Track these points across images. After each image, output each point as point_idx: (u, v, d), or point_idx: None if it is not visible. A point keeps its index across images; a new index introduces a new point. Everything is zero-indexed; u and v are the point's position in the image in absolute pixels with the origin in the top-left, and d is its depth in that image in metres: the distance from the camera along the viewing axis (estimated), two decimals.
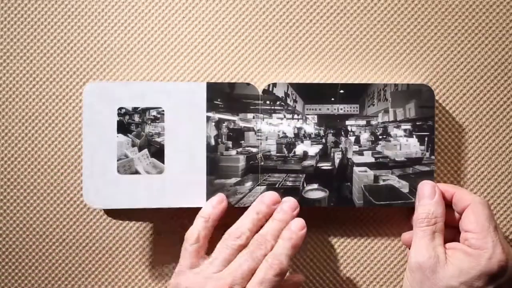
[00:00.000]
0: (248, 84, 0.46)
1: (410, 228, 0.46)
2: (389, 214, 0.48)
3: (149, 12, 0.48)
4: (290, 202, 0.43)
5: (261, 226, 0.42)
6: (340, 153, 0.46)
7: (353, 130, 0.46)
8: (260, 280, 0.38)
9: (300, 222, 0.42)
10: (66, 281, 0.48)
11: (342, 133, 0.46)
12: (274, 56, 0.48)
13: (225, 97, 0.46)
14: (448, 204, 0.43)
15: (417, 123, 0.46)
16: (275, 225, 0.42)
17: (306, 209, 0.46)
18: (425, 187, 0.43)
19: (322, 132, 0.46)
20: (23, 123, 0.48)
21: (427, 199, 0.43)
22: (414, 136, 0.46)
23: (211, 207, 0.43)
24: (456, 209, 0.43)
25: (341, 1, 0.47)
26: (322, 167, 0.46)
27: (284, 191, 0.45)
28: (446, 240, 0.42)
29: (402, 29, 0.47)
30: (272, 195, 0.44)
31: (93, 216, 0.48)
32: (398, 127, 0.46)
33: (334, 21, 0.48)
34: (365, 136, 0.46)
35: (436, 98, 0.47)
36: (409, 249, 0.46)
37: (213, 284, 0.38)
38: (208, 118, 0.45)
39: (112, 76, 0.48)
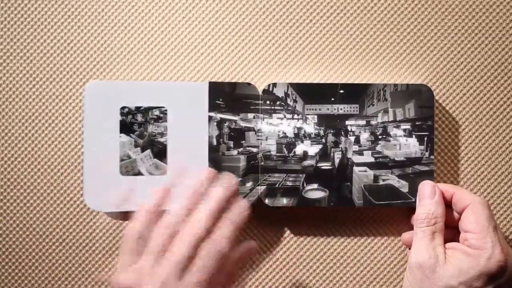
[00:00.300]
0: (248, 84, 0.46)
1: (410, 228, 0.46)
2: (389, 214, 0.48)
3: (149, 12, 0.48)
4: (227, 179, 0.40)
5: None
6: (340, 153, 0.46)
7: (353, 130, 0.46)
8: (199, 269, 0.36)
9: (242, 203, 0.39)
10: (66, 281, 0.48)
11: (342, 133, 0.46)
12: (274, 56, 0.48)
13: (226, 96, 0.46)
14: (447, 204, 0.43)
15: (417, 123, 0.46)
16: (211, 206, 0.38)
17: (306, 209, 0.46)
18: (425, 187, 0.43)
19: (322, 132, 0.46)
20: (23, 123, 0.48)
21: (427, 199, 0.43)
22: (414, 136, 0.46)
23: (153, 199, 0.40)
24: (456, 209, 0.43)
25: (341, 1, 0.48)
26: (322, 167, 0.46)
27: (284, 191, 0.45)
28: (445, 240, 0.42)
29: (402, 29, 0.47)
30: (209, 172, 0.40)
31: (93, 216, 0.48)
32: (397, 127, 0.46)
33: (334, 21, 0.48)
34: (365, 136, 0.46)
35: (436, 98, 0.47)
36: (409, 249, 0.46)
37: (147, 281, 0.36)
38: (210, 118, 0.45)
39: (112, 76, 0.48)
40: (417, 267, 0.40)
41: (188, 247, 0.36)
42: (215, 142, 0.45)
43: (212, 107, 0.45)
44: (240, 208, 0.39)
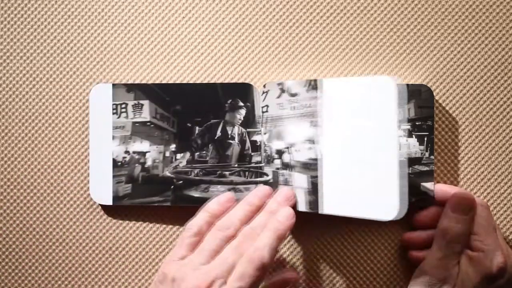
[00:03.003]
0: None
1: (410, 228, 0.46)
2: None
3: (149, 12, 0.48)
4: (284, 192, 0.42)
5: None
6: None
7: None
8: (239, 276, 0.36)
9: (287, 211, 0.40)
10: (66, 281, 0.48)
11: None
12: (274, 56, 0.48)
13: None
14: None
15: (417, 123, 0.46)
16: (266, 218, 0.40)
17: None
18: (466, 199, 0.41)
19: None
20: (23, 123, 0.48)
21: (465, 215, 0.40)
22: (414, 136, 0.46)
23: (218, 205, 0.42)
24: None
25: (341, 1, 0.47)
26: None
27: None
28: None
29: (402, 29, 0.47)
30: (265, 188, 0.43)
31: (93, 216, 0.48)
32: (397, 127, 0.46)
33: (334, 21, 0.48)
34: None
35: (436, 98, 0.47)
36: (409, 249, 0.46)
37: (197, 276, 0.37)
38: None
39: (112, 76, 0.48)
40: (431, 284, 0.40)
41: (238, 253, 0.37)
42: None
43: None
44: (285, 218, 0.39)
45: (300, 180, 0.44)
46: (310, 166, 0.43)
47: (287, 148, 0.44)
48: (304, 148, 0.44)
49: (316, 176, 0.43)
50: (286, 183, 0.44)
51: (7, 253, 0.48)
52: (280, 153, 0.45)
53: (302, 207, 0.44)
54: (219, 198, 0.42)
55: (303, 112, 0.44)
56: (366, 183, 0.41)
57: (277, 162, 0.45)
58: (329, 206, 0.43)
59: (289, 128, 0.44)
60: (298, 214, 0.42)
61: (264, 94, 0.45)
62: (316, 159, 0.43)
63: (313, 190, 0.43)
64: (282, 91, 0.45)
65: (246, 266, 0.36)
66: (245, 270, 0.36)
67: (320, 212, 0.43)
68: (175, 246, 0.40)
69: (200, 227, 0.40)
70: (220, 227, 0.40)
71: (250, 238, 0.39)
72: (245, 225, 0.40)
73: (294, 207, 0.43)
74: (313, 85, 0.44)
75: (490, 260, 0.39)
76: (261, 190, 0.43)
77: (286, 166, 0.44)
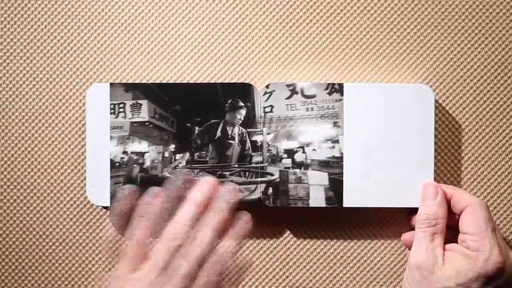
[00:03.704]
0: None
1: (410, 228, 0.46)
2: (388, 214, 0.48)
3: (149, 12, 0.48)
4: (229, 189, 0.39)
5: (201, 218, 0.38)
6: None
7: None
8: (204, 284, 0.36)
9: (247, 217, 0.39)
10: (66, 281, 0.48)
11: None
12: (274, 56, 0.48)
13: None
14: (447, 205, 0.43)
15: None
16: (213, 218, 0.38)
17: (307, 209, 0.46)
18: (428, 187, 0.43)
19: None
20: (23, 123, 0.48)
21: (430, 200, 0.43)
22: None
23: (146, 205, 0.39)
24: (455, 211, 0.43)
25: (341, 1, 0.47)
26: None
27: None
28: (445, 241, 0.42)
29: (402, 29, 0.47)
30: (209, 183, 0.39)
31: (93, 216, 0.48)
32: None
33: (334, 21, 0.48)
34: None
35: (436, 98, 0.47)
36: (409, 249, 0.46)
37: None
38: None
39: (112, 76, 0.48)
40: (416, 268, 0.40)
41: (193, 263, 0.36)
42: None
43: None
44: (243, 221, 0.39)
45: (319, 177, 0.45)
46: (332, 164, 0.44)
47: (301, 147, 0.45)
48: (324, 147, 0.45)
49: (336, 173, 0.44)
50: (300, 181, 0.45)
51: (7, 253, 0.48)
52: (290, 152, 0.45)
53: (320, 203, 0.44)
54: (143, 198, 0.40)
55: (324, 113, 0.45)
56: (400, 177, 0.44)
57: (286, 161, 0.45)
58: (356, 199, 0.45)
59: (302, 128, 0.45)
60: (307, 210, 0.42)
61: (268, 95, 0.45)
62: (338, 157, 0.44)
63: (332, 186, 0.44)
64: (294, 92, 0.45)
65: (210, 276, 0.36)
66: (209, 279, 0.36)
67: (346, 205, 0.45)
68: (120, 261, 0.38)
69: (140, 235, 0.38)
70: (170, 235, 0.37)
71: (199, 244, 0.37)
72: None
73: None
74: (336, 88, 0.45)
75: (487, 260, 0.39)
76: (205, 185, 0.39)
77: (299, 165, 0.45)
